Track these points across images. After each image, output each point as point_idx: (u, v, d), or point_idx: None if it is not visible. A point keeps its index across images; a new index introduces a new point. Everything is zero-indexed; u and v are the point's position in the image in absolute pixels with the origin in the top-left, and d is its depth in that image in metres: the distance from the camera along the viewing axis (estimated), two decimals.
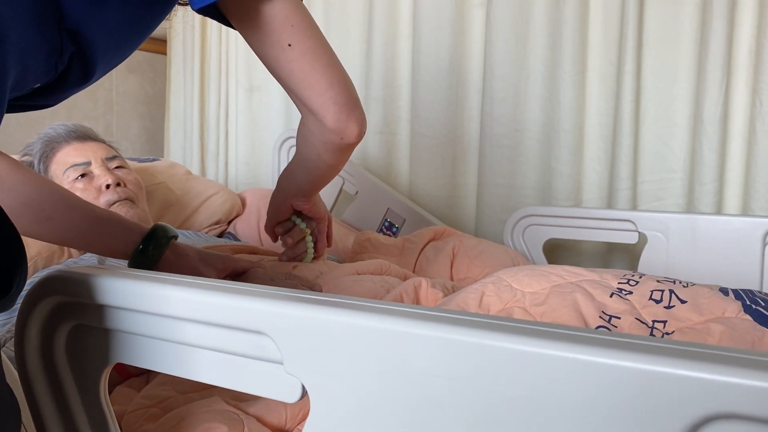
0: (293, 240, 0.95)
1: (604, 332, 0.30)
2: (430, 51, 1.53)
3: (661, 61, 1.33)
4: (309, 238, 0.95)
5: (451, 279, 1.10)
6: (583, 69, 1.40)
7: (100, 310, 0.44)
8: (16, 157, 1.15)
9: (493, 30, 1.44)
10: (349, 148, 0.73)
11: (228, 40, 1.80)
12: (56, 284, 0.45)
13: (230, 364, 0.40)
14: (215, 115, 1.83)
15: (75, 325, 0.47)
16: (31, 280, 0.90)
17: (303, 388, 0.37)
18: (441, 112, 1.54)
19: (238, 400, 0.60)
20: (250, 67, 1.79)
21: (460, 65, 1.52)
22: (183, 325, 0.40)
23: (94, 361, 0.46)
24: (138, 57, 1.89)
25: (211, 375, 0.41)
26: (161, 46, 1.92)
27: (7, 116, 1.56)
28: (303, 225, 0.95)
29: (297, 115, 1.72)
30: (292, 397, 0.38)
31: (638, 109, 1.35)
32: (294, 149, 1.51)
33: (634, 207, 1.36)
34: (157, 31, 1.85)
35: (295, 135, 1.51)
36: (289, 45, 0.60)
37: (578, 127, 1.41)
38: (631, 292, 0.63)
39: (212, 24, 1.82)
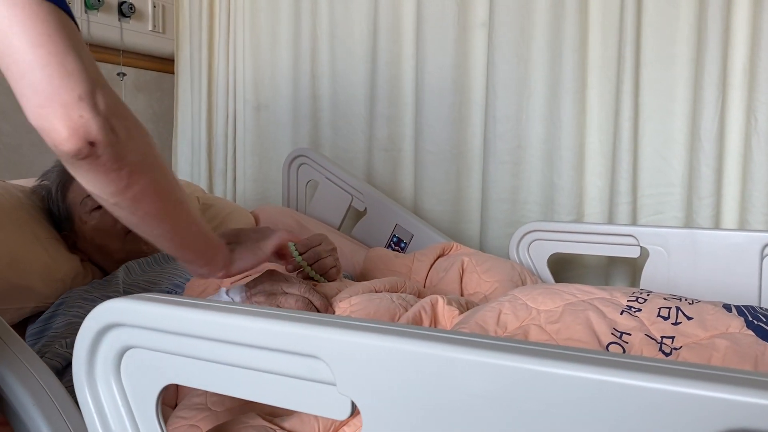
0: (292, 267, 0.95)
1: (642, 357, 0.34)
2: (434, 71, 1.58)
3: (658, 80, 1.38)
4: (308, 268, 0.95)
5: (461, 294, 1.13)
6: (582, 87, 1.45)
7: (158, 336, 0.48)
8: (32, 181, 1.18)
9: (495, 50, 1.49)
10: (76, 161, 0.52)
11: (236, 59, 1.85)
12: (116, 313, 0.49)
13: (284, 385, 0.43)
14: (223, 132, 1.87)
15: (132, 348, 0.50)
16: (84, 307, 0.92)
17: (353, 406, 0.41)
18: (445, 130, 1.59)
19: (273, 415, 0.64)
20: (258, 85, 1.83)
21: (463, 84, 1.57)
22: (240, 350, 0.44)
23: (150, 383, 0.50)
24: (146, 76, 1.93)
25: (264, 395, 0.45)
26: (168, 66, 1.96)
27: (20, 136, 1.66)
28: (298, 258, 0.94)
29: (305, 133, 1.78)
30: (342, 414, 0.41)
31: (637, 126, 1.40)
32: (304, 167, 1.56)
33: (634, 221, 1.41)
34: (165, 51, 1.90)
35: (305, 153, 1.56)
36: None
37: (579, 144, 1.45)
38: (640, 310, 0.67)
39: (220, 43, 1.86)
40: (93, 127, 0.51)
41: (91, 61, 0.53)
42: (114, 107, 0.53)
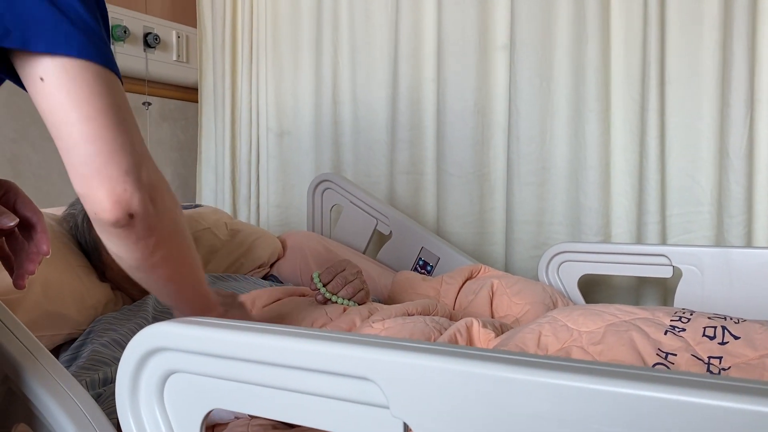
0: (322, 297, 0.98)
1: (707, 375, 0.33)
2: (455, 94, 1.58)
3: (684, 97, 1.37)
4: (333, 297, 0.98)
5: (492, 317, 1.12)
6: (607, 107, 1.44)
7: (203, 360, 0.48)
8: (62, 209, 1.20)
9: (517, 71, 1.49)
10: (113, 229, 0.54)
11: (258, 87, 1.87)
12: (160, 337, 0.49)
13: (334, 408, 0.42)
14: (246, 159, 1.89)
15: (175, 373, 0.50)
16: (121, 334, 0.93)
17: (405, 428, 0.40)
18: (467, 152, 1.59)
19: None
20: (280, 112, 1.85)
21: (485, 106, 1.57)
22: (287, 372, 0.44)
23: (193, 408, 0.49)
24: (170, 105, 1.96)
25: (313, 419, 0.44)
26: (193, 95, 1.99)
27: (49, 166, 1.71)
28: (323, 290, 0.97)
29: (327, 159, 1.80)
30: None
31: (663, 145, 1.39)
32: (328, 192, 1.57)
33: (663, 240, 1.39)
34: (189, 80, 1.93)
35: (330, 177, 1.57)
36: (42, 79, 0.50)
37: (604, 164, 1.44)
38: (684, 329, 0.66)
39: (242, 71, 1.89)
40: (135, 200, 0.53)
41: (136, 131, 0.54)
42: (155, 180, 0.55)
